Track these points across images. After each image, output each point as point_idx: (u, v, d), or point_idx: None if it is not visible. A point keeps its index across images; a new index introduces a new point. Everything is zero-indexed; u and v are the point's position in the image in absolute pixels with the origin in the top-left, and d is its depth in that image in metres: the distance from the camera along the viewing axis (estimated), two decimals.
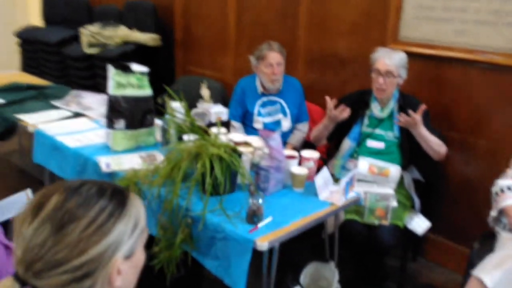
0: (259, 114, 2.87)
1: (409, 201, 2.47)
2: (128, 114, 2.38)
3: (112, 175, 2.20)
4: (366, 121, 2.57)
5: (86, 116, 3.00)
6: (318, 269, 2.04)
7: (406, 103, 2.49)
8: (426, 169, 2.56)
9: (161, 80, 4.34)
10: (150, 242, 1.99)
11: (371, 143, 2.54)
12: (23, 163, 4.10)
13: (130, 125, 2.39)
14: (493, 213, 2.09)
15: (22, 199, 1.90)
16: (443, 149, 2.42)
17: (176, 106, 2.45)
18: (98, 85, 4.44)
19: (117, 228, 0.82)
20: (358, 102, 2.58)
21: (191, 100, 3.72)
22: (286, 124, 2.89)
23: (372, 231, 2.31)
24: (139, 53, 4.16)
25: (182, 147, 1.93)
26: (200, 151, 1.88)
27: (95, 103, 3.21)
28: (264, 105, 2.88)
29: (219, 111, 2.55)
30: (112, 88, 2.34)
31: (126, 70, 2.37)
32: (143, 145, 2.48)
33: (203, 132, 2.00)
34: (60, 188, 0.84)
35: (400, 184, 2.48)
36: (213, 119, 2.52)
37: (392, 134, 2.51)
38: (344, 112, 2.43)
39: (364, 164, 2.46)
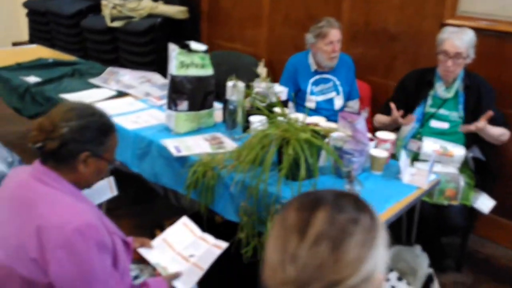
0: (312, 92, 2.80)
1: (473, 180, 2.46)
2: (191, 95, 2.29)
3: (181, 159, 2.13)
4: (429, 101, 2.52)
5: (130, 95, 2.89)
6: (398, 252, 2.03)
7: (472, 82, 2.45)
8: (488, 148, 2.54)
9: None
10: (233, 228, 1.95)
11: (435, 124, 2.50)
12: None
13: (192, 107, 2.31)
14: None
15: (105, 186, 1.84)
16: (505, 137, 2.40)
17: (240, 86, 2.37)
18: (120, 59, 4.30)
19: (379, 242, 0.77)
20: (421, 82, 2.52)
21: (225, 77, 3.64)
22: (338, 102, 2.83)
23: (441, 212, 2.30)
24: (166, 26, 4.01)
25: (267, 132, 1.86)
26: (288, 136, 1.82)
27: (135, 81, 3.10)
28: (317, 83, 2.81)
29: (279, 90, 2.47)
30: (175, 68, 2.24)
31: (190, 49, 2.27)
32: (204, 126, 2.40)
33: (287, 116, 1.94)
34: (319, 202, 0.78)
35: (464, 163, 2.46)
36: (274, 99, 2.44)
37: (456, 114, 2.47)
38: (411, 121, 2.40)
39: (429, 145, 2.43)
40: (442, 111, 2.50)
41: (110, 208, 2.96)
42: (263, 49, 3.82)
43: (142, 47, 4.03)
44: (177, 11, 4.00)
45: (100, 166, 1.32)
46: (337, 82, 2.82)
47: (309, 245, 0.74)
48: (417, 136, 2.52)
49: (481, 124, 2.26)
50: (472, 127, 2.28)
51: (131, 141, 2.35)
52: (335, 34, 2.65)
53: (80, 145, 1.25)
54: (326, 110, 2.79)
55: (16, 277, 1.16)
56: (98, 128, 1.29)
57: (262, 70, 2.56)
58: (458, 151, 2.42)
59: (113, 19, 4.16)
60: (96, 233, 1.16)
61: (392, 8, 3.01)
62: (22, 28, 5.96)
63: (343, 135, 1.95)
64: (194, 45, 2.35)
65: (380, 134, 2.13)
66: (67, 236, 1.12)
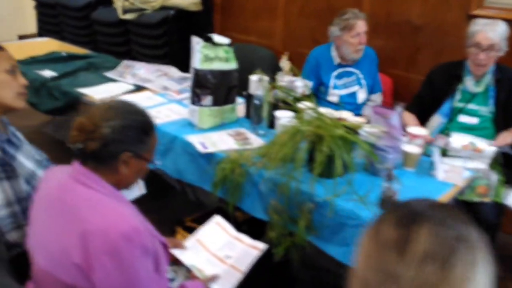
0: (335, 86, 2.73)
1: (503, 176, 2.40)
2: (215, 89, 2.23)
3: (206, 156, 2.07)
4: (458, 95, 2.45)
5: (147, 89, 2.83)
6: None
7: (503, 75, 2.37)
8: None
9: None
10: (257, 226, 1.90)
11: (464, 119, 2.44)
12: (59, 134, 3.92)
13: (216, 102, 2.25)
14: None
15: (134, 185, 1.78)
16: None
17: (265, 81, 2.31)
18: (132, 52, 4.23)
19: (483, 259, 0.71)
20: (450, 76, 2.46)
21: (240, 70, 3.57)
22: (361, 95, 2.77)
23: (472, 209, 2.24)
24: (180, 18, 3.94)
25: (299, 128, 1.80)
26: (321, 133, 1.76)
27: (151, 75, 3.03)
28: (339, 76, 2.74)
29: (304, 84, 2.40)
30: (199, 62, 2.18)
31: (214, 42, 2.20)
32: (227, 122, 2.34)
33: (318, 111, 1.88)
34: (419, 217, 0.72)
35: (494, 159, 2.40)
36: (299, 93, 2.38)
37: (486, 109, 2.41)
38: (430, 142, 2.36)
39: (457, 140, 2.36)
40: (471, 106, 2.43)
41: None
42: (278, 41, 3.75)
43: (155, 39, 3.97)
44: (190, 2, 3.93)
45: (141, 166, 1.26)
46: (360, 75, 2.75)
47: (415, 264, 0.68)
48: (444, 131, 2.45)
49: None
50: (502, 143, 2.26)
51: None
52: (361, 25, 2.59)
53: (122, 145, 1.19)
54: (349, 104, 2.73)
55: (58, 283, 1.11)
56: (139, 127, 1.23)
57: (285, 63, 2.49)
58: (488, 146, 2.35)
59: (125, 11, 4.09)
60: (140, 238, 1.11)
61: None
62: (28, 20, 5.89)
63: (376, 130, 1.89)
64: (217, 38, 2.28)
65: (412, 129, 2.07)
66: (113, 242, 1.07)
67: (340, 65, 2.73)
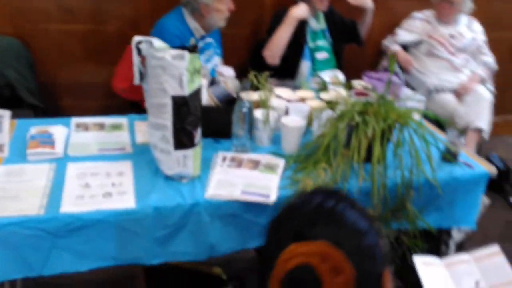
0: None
1: None
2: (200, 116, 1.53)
3: (257, 207, 1.50)
4: (308, 37, 2.56)
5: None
6: None
7: (328, 10, 2.60)
8: None
9: None
10: None
11: (319, 55, 2.60)
12: None
13: (202, 132, 1.56)
14: None
15: None
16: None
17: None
18: None
19: None
20: None
21: None
22: (220, 65, 2.44)
23: None
24: None
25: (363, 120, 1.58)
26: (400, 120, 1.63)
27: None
28: (201, 51, 2.30)
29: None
30: (187, 84, 1.40)
31: (196, 49, 1.44)
32: None
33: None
34: None
35: None
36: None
37: (327, 43, 2.64)
38: None
39: (326, 77, 2.50)
40: (319, 43, 2.61)
41: None
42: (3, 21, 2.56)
43: None
44: None
45: None
46: (214, 44, 2.40)
47: None
48: (314, 73, 2.57)
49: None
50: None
51: (146, 225, 1.40)
52: None
53: None
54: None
55: None
56: None
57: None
58: (341, 76, 2.65)
59: None
60: None
61: None
62: None
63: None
64: (156, 42, 1.49)
65: None
66: None
67: (201, 38, 2.28)
